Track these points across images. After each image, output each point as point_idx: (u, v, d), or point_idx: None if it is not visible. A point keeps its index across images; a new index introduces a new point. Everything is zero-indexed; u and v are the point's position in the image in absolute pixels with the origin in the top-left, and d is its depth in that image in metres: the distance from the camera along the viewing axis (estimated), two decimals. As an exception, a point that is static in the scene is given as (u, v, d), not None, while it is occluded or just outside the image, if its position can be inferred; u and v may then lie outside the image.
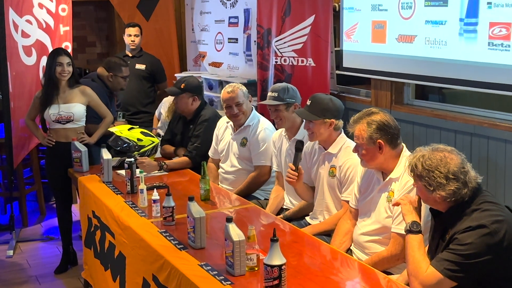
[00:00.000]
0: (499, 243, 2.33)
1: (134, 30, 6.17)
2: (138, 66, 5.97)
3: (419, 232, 2.57)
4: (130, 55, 6.15)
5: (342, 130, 3.62)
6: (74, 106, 4.60)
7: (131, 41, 6.15)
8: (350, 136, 3.29)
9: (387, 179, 3.06)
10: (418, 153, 2.57)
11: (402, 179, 3.00)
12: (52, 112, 4.56)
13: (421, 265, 2.44)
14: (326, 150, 3.60)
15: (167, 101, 5.68)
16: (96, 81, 5.06)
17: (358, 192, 3.26)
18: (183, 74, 6.78)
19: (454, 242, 2.39)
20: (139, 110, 5.93)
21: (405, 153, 3.07)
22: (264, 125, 4.29)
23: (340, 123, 3.58)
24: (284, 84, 4.17)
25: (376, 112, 3.09)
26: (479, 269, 2.34)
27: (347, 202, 3.41)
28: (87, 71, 7.03)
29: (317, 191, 3.66)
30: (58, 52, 4.64)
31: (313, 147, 3.72)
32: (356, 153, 3.15)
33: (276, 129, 4.20)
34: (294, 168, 3.47)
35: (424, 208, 2.84)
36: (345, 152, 3.52)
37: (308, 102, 3.55)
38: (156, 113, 5.87)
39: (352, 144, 3.54)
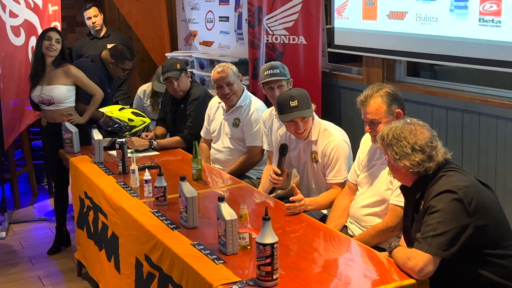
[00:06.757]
0: (468, 207, 2.36)
1: (92, 11, 6.09)
2: (110, 46, 5.86)
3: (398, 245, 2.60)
4: (99, 36, 6.08)
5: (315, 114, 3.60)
6: (53, 89, 4.51)
7: (93, 23, 6.10)
8: (337, 118, 3.22)
9: None
10: (392, 124, 2.63)
11: None
12: (35, 94, 4.53)
13: (411, 261, 2.40)
14: (305, 139, 3.54)
15: (141, 92, 5.61)
16: (96, 62, 4.97)
17: (359, 168, 3.26)
18: (174, 54, 6.74)
19: (427, 212, 2.42)
20: None
21: None
22: (256, 105, 4.26)
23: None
24: (277, 61, 4.15)
25: (384, 86, 3.09)
26: (457, 236, 2.34)
27: (335, 184, 3.41)
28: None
29: (301, 178, 3.67)
30: (49, 28, 4.58)
31: (290, 137, 3.63)
32: (370, 132, 3.07)
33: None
34: (279, 172, 3.46)
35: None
36: (324, 136, 3.48)
37: (294, 104, 3.37)
38: (135, 106, 5.60)
39: (328, 124, 3.53)
